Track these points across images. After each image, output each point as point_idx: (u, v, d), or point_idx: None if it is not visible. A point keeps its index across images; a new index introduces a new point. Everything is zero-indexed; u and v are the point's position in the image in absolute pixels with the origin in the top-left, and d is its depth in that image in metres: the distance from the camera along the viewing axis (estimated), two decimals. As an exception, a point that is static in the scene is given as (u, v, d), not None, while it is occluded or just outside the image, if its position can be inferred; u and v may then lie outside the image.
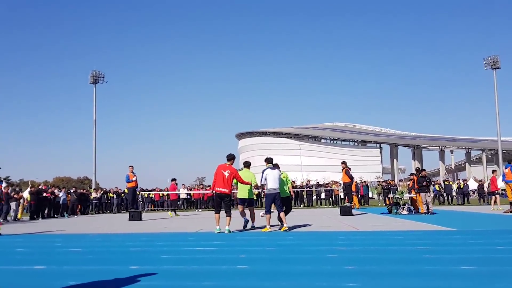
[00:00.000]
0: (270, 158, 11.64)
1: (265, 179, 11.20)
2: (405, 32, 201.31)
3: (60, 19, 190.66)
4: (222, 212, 11.16)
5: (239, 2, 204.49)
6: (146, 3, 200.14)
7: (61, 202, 25.25)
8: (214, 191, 11.24)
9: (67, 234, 12.37)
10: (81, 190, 30.31)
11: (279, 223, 11.62)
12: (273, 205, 11.55)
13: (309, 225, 13.17)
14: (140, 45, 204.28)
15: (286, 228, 11.13)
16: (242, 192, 11.78)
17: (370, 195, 39.42)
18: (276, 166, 11.69)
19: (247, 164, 12.28)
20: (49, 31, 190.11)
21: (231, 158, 11.33)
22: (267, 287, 4.62)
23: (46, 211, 24.14)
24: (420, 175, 17.81)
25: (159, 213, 26.77)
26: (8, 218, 21.15)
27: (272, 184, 11.15)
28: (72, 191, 26.77)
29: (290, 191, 12.67)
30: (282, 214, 11.28)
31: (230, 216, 11.14)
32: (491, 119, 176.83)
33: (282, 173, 11.98)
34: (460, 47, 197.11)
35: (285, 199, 11.97)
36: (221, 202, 11.12)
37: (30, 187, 28.07)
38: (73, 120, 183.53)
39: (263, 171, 11.28)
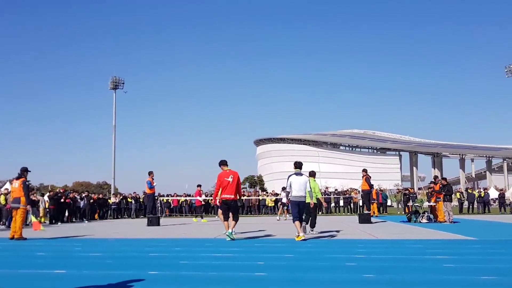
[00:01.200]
0: (299, 162, 11.25)
1: (290, 186, 10.89)
2: (424, 40, 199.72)
3: (82, 23, 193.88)
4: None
5: (259, 8, 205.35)
6: (167, 10, 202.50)
7: (81, 207, 25.61)
8: (220, 199, 11.17)
9: (87, 238, 12.52)
10: (100, 195, 30.66)
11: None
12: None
13: (328, 232, 13.08)
14: (158, 51, 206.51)
15: (303, 238, 10.63)
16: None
17: (389, 203, 39.00)
18: (312, 175, 11.53)
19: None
20: (70, 36, 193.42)
21: (225, 163, 11.24)
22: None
23: (66, 216, 24.48)
24: (441, 183, 17.65)
25: (177, 219, 26.93)
26: (27, 222, 21.47)
27: (297, 191, 10.83)
28: (84, 195, 27.07)
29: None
30: (297, 222, 10.79)
31: (236, 221, 11.12)
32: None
33: (313, 181, 11.82)
34: (481, 54, 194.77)
35: (306, 206, 11.61)
36: (229, 208, 11.13)
37: (49, 192, 28.49)
38: (93, 125, 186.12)
39: (288, 177, 10.97)
